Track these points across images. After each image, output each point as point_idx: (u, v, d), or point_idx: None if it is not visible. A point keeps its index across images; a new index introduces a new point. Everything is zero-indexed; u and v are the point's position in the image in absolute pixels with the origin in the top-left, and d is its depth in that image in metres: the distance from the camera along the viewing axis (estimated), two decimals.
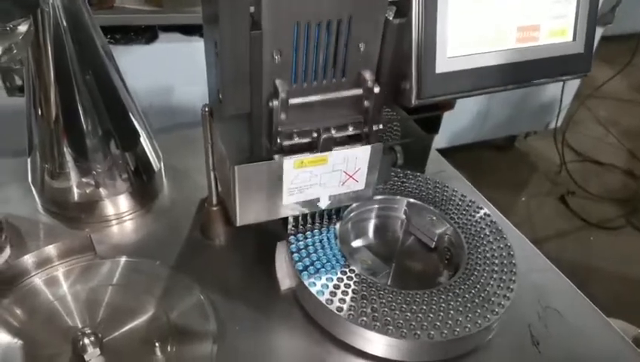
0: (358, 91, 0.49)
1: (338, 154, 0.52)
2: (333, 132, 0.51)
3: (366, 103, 0.50)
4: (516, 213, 1.93)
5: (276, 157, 0.50)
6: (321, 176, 0.53)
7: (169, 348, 0.52)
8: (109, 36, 1.26)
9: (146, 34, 1.28)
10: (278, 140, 0.49)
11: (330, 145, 0.51)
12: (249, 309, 0.59)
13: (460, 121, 2.01)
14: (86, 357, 0.49)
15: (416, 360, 0.54)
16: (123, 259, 0.59)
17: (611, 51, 2.22)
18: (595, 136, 2.50)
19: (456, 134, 2.02)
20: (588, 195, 2.09)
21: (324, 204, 0.56)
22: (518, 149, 2.36)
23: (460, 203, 0.69)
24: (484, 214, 0.68)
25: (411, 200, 0.69)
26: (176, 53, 1.28)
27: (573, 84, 2.12)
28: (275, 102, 0.46)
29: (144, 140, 0.70)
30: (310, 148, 0.51)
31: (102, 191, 0.67)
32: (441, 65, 0.48)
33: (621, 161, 2.32)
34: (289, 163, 0.50)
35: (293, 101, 0.47)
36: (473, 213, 0.68)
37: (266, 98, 0.47)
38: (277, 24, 0.43)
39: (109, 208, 0.68)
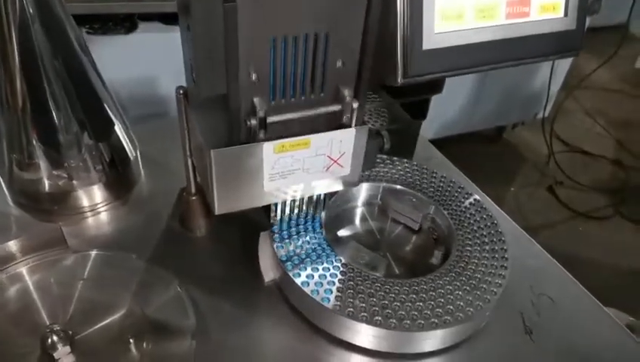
0: (337, 107, 0.48)
1: (321, 138, 0.49)
2: None
3: (345, 119, 0.49)
4: (505, 203, 1.92)
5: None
6: (304, 160, 0.50)
7: (145, 345, 0.49)
8: (87, 26, 1.22)
9: (125, 23, 1.24)
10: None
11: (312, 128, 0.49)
12: (231, 303, 0.56)
13: (447, 113, 1.99)
14: (55, 355, 0.46)
15: (406, 351, 0.52)
16: (94, 253, 0.56)
17: (598, 42, 2.22)
18: (583, 126, 2.50)
19: (444, 126, 2.00)
20: (576, 185, 2.08)
21: (307, 190, 0.54)
22: (506, 140, 2.36)
23: (449, 189, 0.67)
24: (474, 200, 0.65)
25: (387, 185, 0.67)
26: (157, 42, 1.25)
27: (560, 74, 2.11)
28: (254, 121, 0.45)
29: (119, 130, 0.67)
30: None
31: (74, 181, 0.63)
32: (428, 42, 0.46)
33: (609, 151, 2.32)
34: (269, 147, 0.47)
35: (271, 119, 0.46)
36: (462, 199, 0.65)
37: (244, 115, 0.45)
38: (252, 42, 0.42)
39: (82, 199, 0.65)
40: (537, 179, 2.14)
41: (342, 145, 0.51)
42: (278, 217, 0.59)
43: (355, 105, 0.47)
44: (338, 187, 0.55)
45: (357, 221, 0.67)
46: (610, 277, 1.67)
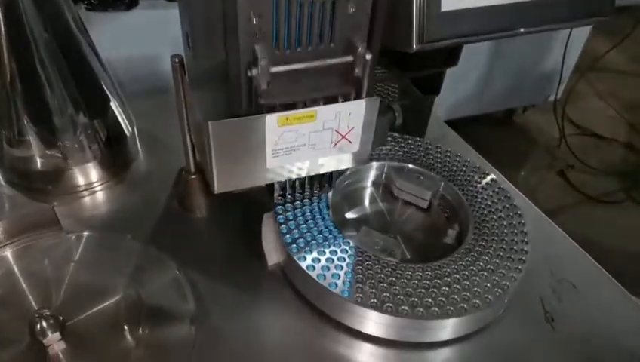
0: (348, 58, 0.43)
1: (328, 110, 0.45)
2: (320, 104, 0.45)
3: (357, 72, 0.44)
4: (515, 187, 1.88)
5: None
6: (310, 135, 0.47)
7: (140, 331, 0.46)
8: (86, 2, 1.18)
9: None
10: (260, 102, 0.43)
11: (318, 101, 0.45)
12: (232, 287, 0.53)
13: (456, 95, 1.94)
14: (45, 341, 0.44)
15: (419, 340, 0.49)
16: (86, 234, 0.53)
17: (611, 24, 2.15)
18: (595, 109, 2.44)
19: (453, 108, 1.95)
20: (588, 169, 2.04)
21: (313, 168, 0.50)
22: (516, 123, 2.30)
23: (463, 168, 0.63)
24: (491, 180, 0.62)
25: (392, 163, 0.63)
26: (159, 19, 1.20)
27: (572, 56, 2.05)
28: (255, 71, 0.40)
29: (115, 106, 0.63)
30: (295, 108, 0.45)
31: (67, 159, 0.60)
32: (447, 2, 0.42)
33: (621, 135, 2.27)
34: (272, 119, 0.44)
35: (275, 69, 0.41)
36: (479, 179, 0.62)
37: (245, 65, 0.41)
38: None
39: (76, 178, 0.61)
40: (548, 163, 2.10)
41: (350, 118, 0.47)
42: (282, 197, 0.55)
43: (368, 56, 0.42)
44: (346, 165, 0.51)
45: (364, 202, 0.64)
46: (621, 262, 1.63)
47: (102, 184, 0.63)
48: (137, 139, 0.68)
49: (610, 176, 2.03)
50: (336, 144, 0.49)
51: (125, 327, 0.46)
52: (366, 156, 0.52)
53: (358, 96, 0.46)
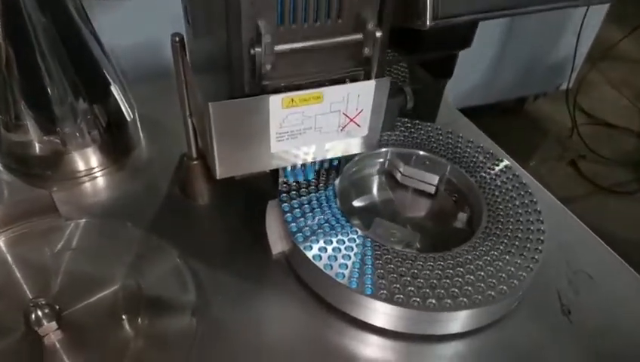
0: (357, 36, 0.41)
1: (336, 91, 0.43)
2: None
3: (366, 51, 0.41)
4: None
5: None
6: (316, 118, 0.44)
7: (140, 321, 0.45)
8: None
9: None
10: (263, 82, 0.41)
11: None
12: (235, 277, 0.51)
13: (466, 83, 1.90)
14: (40, 331, 0.42)
15: (429, 333, 0.47)
16: (84, 221, 0.51)
17: (623, 12, 2.10)
18: (608, 98, 2.40)
19: (461, 96, 1.92)
20: (600, 159, 2.00)
21: (320, 153, 0.48)
22: (527, 112, 2.26)
23: (475, 154, 0.61)
24: (505, 167, 0.59)
25: (394, 149, 0.61)
26: (164, 3, 1.18)
27: (584, 45, 2.01)
28: (258, 49, 0.38)
29: (116, 91, 0.61)
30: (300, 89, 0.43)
31: (66, 144, 0.58)
32: None
33: (634, 124, 2.22)
34: (276, 100, 0.41)
35: (279, 48, 0.39)
36: (492, 166, 0.59)
37: (247, 43, 0.38)
38: None
39: (75, 163, 0.60)
40: (559, 153, 2.06)
41: (359, 100, 0.44)
42: (288, 184, 0.53)
43: (379, 34, 0.39)
44: (355, 150, 0.49)
45: (372, 190, 0.61)
46: (636, 253, 1.60)
47: (102, 170, 0.61)
48: (139, 125, 0.66)
49: (623, 166, 1.99)
50: (343, 128, 0.46)
51: (124, 317, 0.45)
52: (375, 141, 0.49)
53: (367, 77, 0.44)
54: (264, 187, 0.57)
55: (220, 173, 0.45)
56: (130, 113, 0.64)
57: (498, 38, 1.80)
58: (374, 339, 0.47)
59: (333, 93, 0.43)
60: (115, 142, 0.62)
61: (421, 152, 0.60)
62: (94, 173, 0.61)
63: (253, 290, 0.50)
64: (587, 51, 2.04)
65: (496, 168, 0.59)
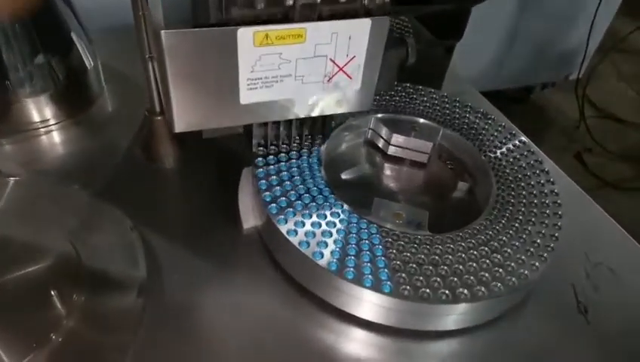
0: None
1: (321, 29, 0.35)
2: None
3: None
4: None
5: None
6: (297, 63, 0.36)
7: (75, 297, 0.37)
8: None
9: None
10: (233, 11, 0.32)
11: (311, 15, 0.35)
12: (198, 255, 0.44)
13: (471, 68, 1.82)
14: None
15: (422, 328, 0.39)
16: (16, 179, 0.43)
17: (636, 4, 2.02)
18: (617, 91, 2.32)
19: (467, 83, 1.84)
20: (606, 153, 1.93)
21: (301, 109, 0.40)
22: (533, 101, 2.18)
23: (485, 126, 0.53)
24: (520, 142, 0.51)
25: (379, 115, 0.53)
26: None
27: (596, 35, 1.93)
28: None
29: (76, 36, 0.53)
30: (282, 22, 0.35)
31: (15, 91, 0.50)
32: None
33: None
34: (246, 35, 0.33)
35: None
36: (504, 140, 0.51)
37: None
38: None
39: (25, 114, 0.52)
40: (565, 145, 1.99)
41: (351, 43, 0.37)
42: (265, 147, 0.46)
43: None
44: (344, 108, 0.41)
45: (359, 160, 0.53)
46: None
47: (57, 123, 0.53)
48: (102, 76, 0.58)
49: (630, 161, 1.93)
50: (331, 78, 0.38)
51: (58, 292, 0.37)
52: (369, 99, 0.41)
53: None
54: (241, 152, 0.49)
55: (177, 125, 0.37)
56: (91, 61, 0.55)
57: (507, 23, 1.72)
58: (358, 333, 0.40)
59: (318, 32, 0.35)
60: (73, 92, 0.54)
61: (415, 118, 0.53)
62: (49, 125, 0.53)
63: (217, 270, 0.43)
64: (599, 42, 1.96)
65: (509, 143, 0.51)
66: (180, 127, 0.37)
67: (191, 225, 0.46)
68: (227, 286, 0.42)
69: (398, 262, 0.38)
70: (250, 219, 0.45)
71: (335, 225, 0.40)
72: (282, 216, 0.41)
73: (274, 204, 0.41)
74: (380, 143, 0.53)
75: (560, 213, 0.44)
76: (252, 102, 0.38)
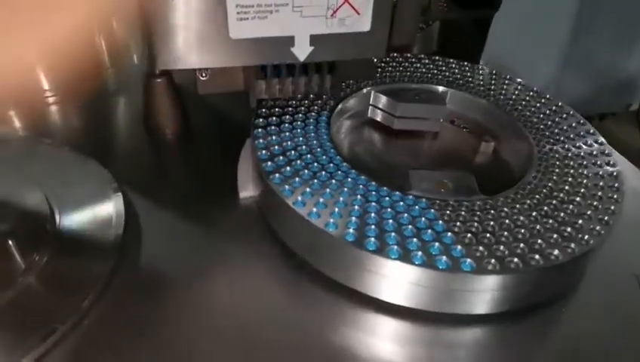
0: None
1: None
2: None
3: None
4: None
5: None
6: None
7: (37, 254, 0.33)
8: None
9: None
10: None
11: None
12: (187, 223, 0.38)
13: None
14: None
15: (446, 311, 0.32)
16: None
17: None
18: None
19: None
20: None
21: (302, 50, 0.35)
22: None
23: (529, 100, 0.46)
24: (578, 123, 0.44)
25: (382, 86, 0.46)
26: None
27: None
28: None
29: None
30: None
31: None
32: None
33: None
34: None
35: None
36: (557, 119, 0.44)
37: None
38: None
39: None
40: None
41: None
42: (267, 109, 0.41)
43: None
44: (352, 53, 0.36)
45: (365, 134, 0.47)
46: None
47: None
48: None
49: None
50: (335, 12, 0.33)
51: (20, 246, 0.33)
52: (382, 44, 0.36)
53: None
54: (248, 123, 0.44)
55: (159, 61, 0.33)
56: None
57: (563, 47, 1.63)
58: (378, 320, 0.32)
59: None
60: None
61: (407, 84, 0.47)
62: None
63: (205, 243, 0.37)
64: None
65: (559, 113, 0.44)
66: (161, 64, 0.33)
67: (182, 194, 0.41)
68: (214, 259, 0.36)
69: (428, 231, 0.31)
70: (248, 188, 0.40)
71: (348, 195, 0.34)
72: (287, 187, 0.34)
73: (277, 174, 0.35)
74: (383, 118, 0.47)
75: (617, 185, 0.36)
76: (244, 37, 0.33)
